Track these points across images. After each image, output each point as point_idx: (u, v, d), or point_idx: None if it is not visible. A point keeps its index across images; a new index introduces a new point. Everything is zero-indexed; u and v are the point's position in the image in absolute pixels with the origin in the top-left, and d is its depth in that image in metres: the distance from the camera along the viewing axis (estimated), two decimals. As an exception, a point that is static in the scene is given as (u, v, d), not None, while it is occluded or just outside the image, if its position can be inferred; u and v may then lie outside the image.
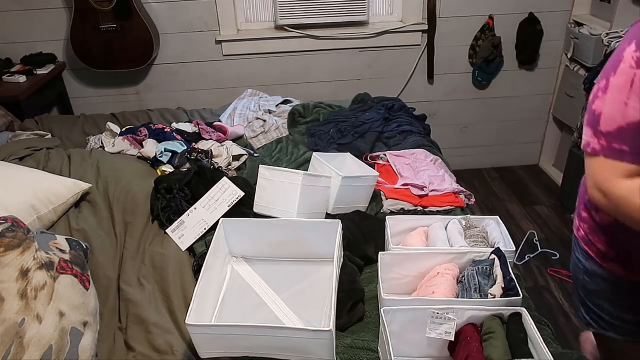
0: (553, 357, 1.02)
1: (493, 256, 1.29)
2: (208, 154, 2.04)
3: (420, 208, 1.77)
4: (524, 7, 2.91)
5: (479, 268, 1.27)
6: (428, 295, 1.24)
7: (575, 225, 1.22)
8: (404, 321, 1.13)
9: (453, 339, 1.11)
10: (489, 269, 1.26)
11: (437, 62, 3.03)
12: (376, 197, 1.82)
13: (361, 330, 1.31)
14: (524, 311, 1.13)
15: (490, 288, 1.21)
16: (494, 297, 1.18)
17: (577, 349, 1.74)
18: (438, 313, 1.10)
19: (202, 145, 2.14)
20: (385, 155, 2.09)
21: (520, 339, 1.08)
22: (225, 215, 1.63)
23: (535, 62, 3.07)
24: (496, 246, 1.37)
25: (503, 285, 1.20)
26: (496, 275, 1.24)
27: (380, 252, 1.34)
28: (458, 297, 1.24)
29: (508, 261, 1.26)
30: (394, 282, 1.34)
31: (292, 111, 2.47)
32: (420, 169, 1.96)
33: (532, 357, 1.05)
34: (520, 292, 1.18)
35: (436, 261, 1.33)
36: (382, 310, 1.13)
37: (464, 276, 1.29)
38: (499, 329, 1.09)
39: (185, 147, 2.07)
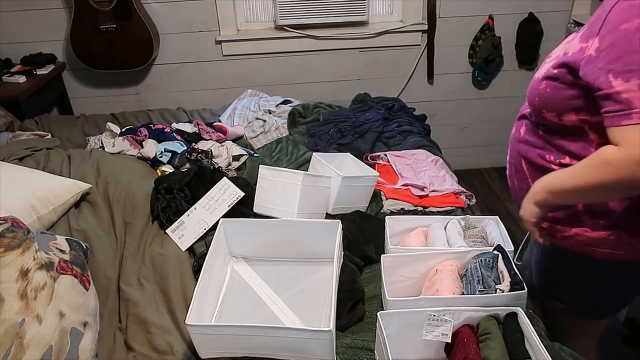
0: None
1: (495, 252, 1.29)
2: (208, 154, 2.04)
3: (420, 208, 1.77)
4: (524, 7, 2.91)
5: (481, 260, 1.27)
6: (432, 294, 1.24)
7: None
8: (401, 324, 1.13)
9: (450, 341, 1.11)
10: (491, 261, 1.26)
11: (436, 62, 3.03)
12: (376, 197, 1.82)
13: (361, 330, 1.31)
14: (520, 311, 1.13)
15: (494, 279, 1.21)
16: (502, 292, 1.18)
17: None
18: (434, 315, 1.10)
19: (202, 145, 2.14)
20: (385, 155, 2.09)
21: (517, 339, 1.07)
22: (225, 215, 1.63)
23: (535, 62, 3.07)
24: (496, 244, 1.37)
25: (510, 280, 1.20)
26: (501, 271, 1.24)
27: (382, 255, 1.33)
28: (462, 291, 1.24)
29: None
30: (397, 285, 1.33)
31: (292, 111, 2.47)
32: (420, 169, 1.96)
33: (530, 358, 1.05)
34: (525, 287, 1.18)
35: (437, 261, 1.33)
36: (379, 314, 1.13)
37: (467, 270, 1.29)
38: (496, 329, 1.09)
39: (185, 147, 2.07)
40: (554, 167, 1.12)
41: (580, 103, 1.03)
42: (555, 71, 1.05)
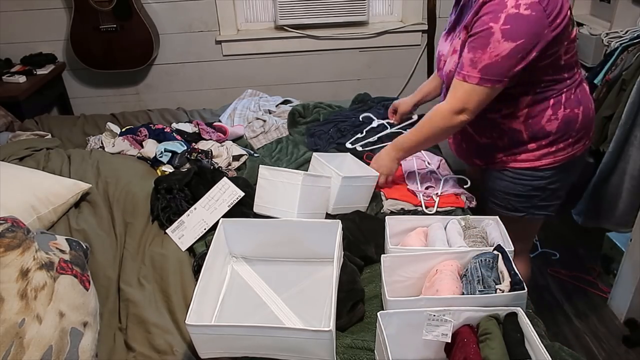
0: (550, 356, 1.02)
1: (495, 252, 1.29)
2: (208, 154, 2.04)
3: (420, 208, 1.77)
4: (524, 7, 2.90)
5: (481, 260, 1.27)
6: (432, 294, 1.24)
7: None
8: (401, 324, 1.13)
9: (450, 341, 1.11)
10: (491, 261, 1.26)
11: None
12: (376, 197, 1.82)
13: (361, 330, 1.31)
14: (520, 311, 1.13)
15: (494, 279, 1.21)
16: (502, 292, 1.18)
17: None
18: (434, 315, 1.10)
19: (202, 145, 2.15)
20: (385, 155, 2.08)
21: (517, 339, 1.07)
22: (225, 215, 1.63)
23: (535, 62, 3.07)
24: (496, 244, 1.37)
25: (510, 280, 1.20)
26: (501, 271, 1.24)
27: (382, 255, 1.33)
28: (462, 291, 1.24)
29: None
30: (397, 285, 1.33)
31: (292, 111, 2.47)
32: (422, 169, 1.95)
33: (530, 358, 1.04)
34: (525, 286, 1.18)
35: (437, 261, 1.33)
36: (379, 314, 1.13)
37: (467, 270, 1.29)
38: (495, 329, 1.09)
39: (185, 147, 2.07)
40: (497, 120, 1.57)
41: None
42: None
